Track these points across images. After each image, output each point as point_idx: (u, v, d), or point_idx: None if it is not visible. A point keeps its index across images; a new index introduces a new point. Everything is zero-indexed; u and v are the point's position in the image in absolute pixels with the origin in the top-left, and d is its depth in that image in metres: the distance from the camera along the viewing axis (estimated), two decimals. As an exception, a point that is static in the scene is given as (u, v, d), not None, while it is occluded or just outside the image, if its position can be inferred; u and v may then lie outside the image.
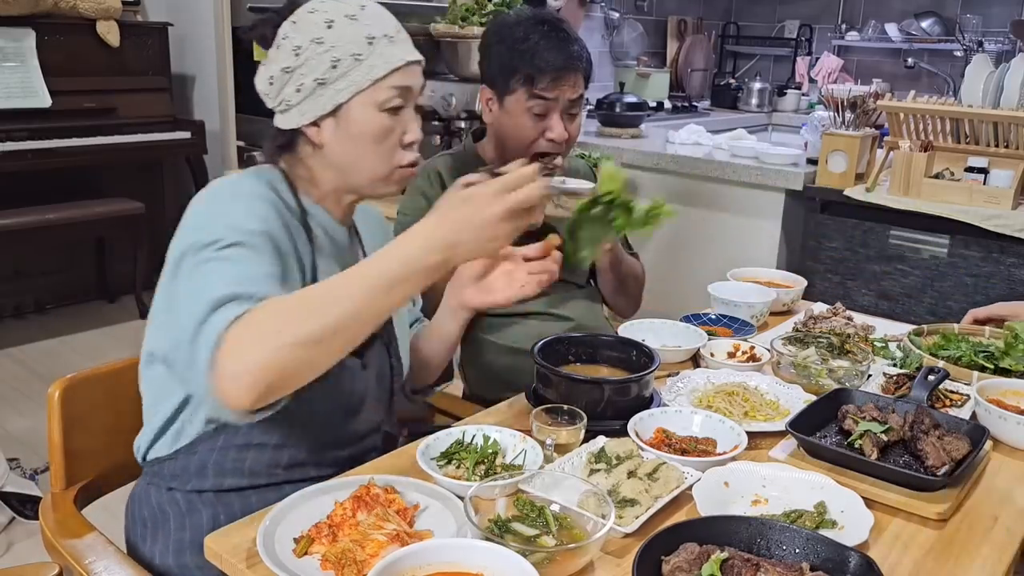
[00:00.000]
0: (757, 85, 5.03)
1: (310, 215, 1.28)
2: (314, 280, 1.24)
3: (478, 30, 3.19)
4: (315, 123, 1.23)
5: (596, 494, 1.06)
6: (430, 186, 1.85)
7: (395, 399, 1.44)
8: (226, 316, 0.98)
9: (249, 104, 3.86)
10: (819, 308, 1.98)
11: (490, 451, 1.23)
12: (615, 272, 1.92)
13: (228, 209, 1.16)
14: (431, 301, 1.57)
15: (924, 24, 4.88)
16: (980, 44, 4.49)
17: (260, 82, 1.25)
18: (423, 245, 1.02)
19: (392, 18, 1.27)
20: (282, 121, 1.25)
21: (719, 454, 1.28)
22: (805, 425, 1.33)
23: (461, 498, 1.09)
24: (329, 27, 1.20)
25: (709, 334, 1.73)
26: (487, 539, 0.97)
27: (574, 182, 1.80)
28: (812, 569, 0.94)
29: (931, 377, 1.43)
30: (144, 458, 1.32)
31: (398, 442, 1.48)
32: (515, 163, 1.66)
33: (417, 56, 1.26)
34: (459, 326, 1.48)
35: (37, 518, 1.97)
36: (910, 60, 4.96)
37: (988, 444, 1.32)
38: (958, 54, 4.72)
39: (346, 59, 1.20)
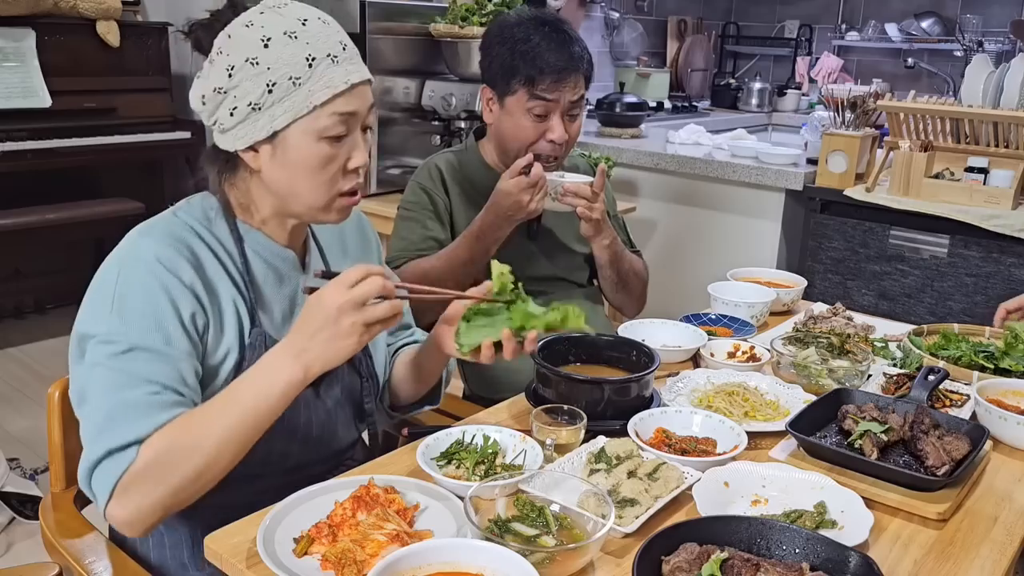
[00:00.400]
0: (757, 85, 5.03)
1: (247, 243, 1.22)
2: (252, 317, 1.21)
3: (478, 30, 3.19)
4: (252, 147, 1.15)
5: (596, 494, 1.06)
6: (430, 180, 1.86)
7: (371, 417, 1.39)
8: (114, 471, 1.06)
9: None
10: (819, 308, 1.98)
11: (490, 451, 1.23)
12: (615, 268, 1.91)
13: (130, 290, 1.11)
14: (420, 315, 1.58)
15: (924, 24, 4.88)
16: (980, 44, 4.49)
17: (193, 99, 1.17)
18: (279, 358, 1.07)
19: (339, 33, 1.17)
20: (218, 140, 1.18)
21: (719, 454, 1.28)
22: (805, 425, 1.33)
23: (461, 498, 1.09)
24: (266, 45, 1.11)
25: (709, 334, 1.73)
26: (487, 539, 0.97)
27: (572, 176, 1.81)
28: (812, 569, 0.94)
29: (931, 377, 1.43)
30: None
31: (398, 442, 1.47)
32: (521, 160, 1.66)
33: (364, 76, 1.17)
34: (435, 364, 1.38)
35: (37, 518, 1.97)
36: (910, 60, 4.96)
37: (988, 444, 1.32)
38: (958, 54, 4.72)
39: (283, 83, 1.11)
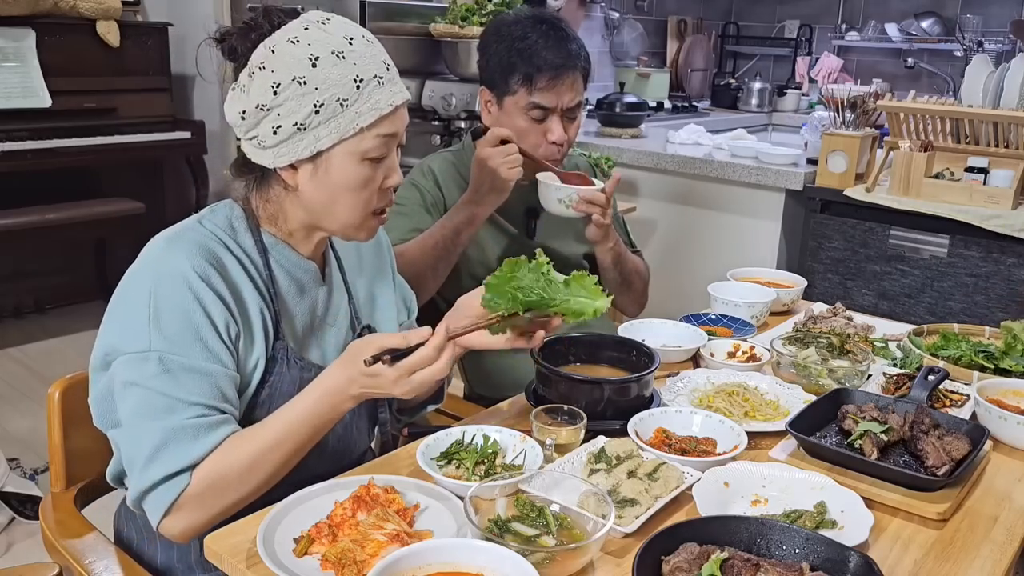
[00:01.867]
0: (757, 85, 5.03)
1: (271, 253, 1.22)
2: (276, 329, 1.21)
3: (478, 30, 3.19)
4: (292, 165, 1.15)
5: (596, 494, 1.06)
6: (422, 177, 1.86)
7: (384, 426, 1.40)
8: (169, 496, 1.09)
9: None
10: (819, 308, 1.98)
11: (490, 451, 1.23)
12: (619, 270, 1.92)
13: (166, 305, 1.10)
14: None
15: (924, 24, 4.88)
16: (980, 44, 4.49)
17: (230, 113, 1.15)
18: (340, 395, 1.14)
19: (381, 52, 1.17)
20: (253, 155, 1.17)
21: (719, 454, 1.28)
22: (805, 425, 1.33)
23: (461, 498, 1.09)
24: (313, 65, 1.09)
25: (709, 334, 1.73)
26: (487, 539, 0.97)
27: (582, 188, 1.78)
28: (812, 569, 0.94)
29: (931, 377, 1.43)
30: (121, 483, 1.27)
31: (398, 442, 1.47)
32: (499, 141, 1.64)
33: (405, 96, 1.18)
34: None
35: (37, 518, 1.97)
36: (910, 60, 4.96)
37: (988, 444, 1.32)
38: (958, 54, 4.72)
39: (331, 104, 1.10)
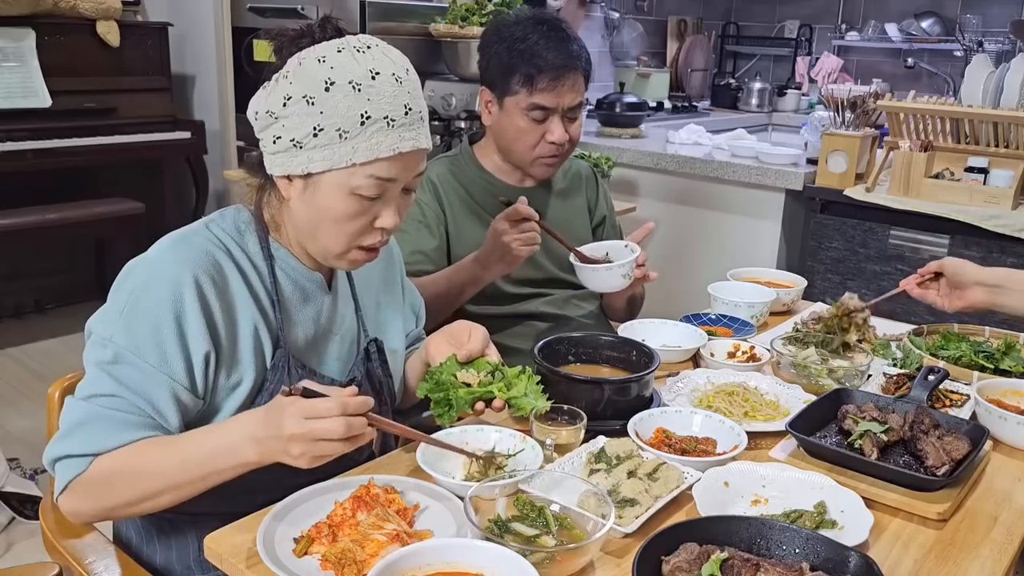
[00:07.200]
0: (757, 85, 5.03)
1: (277, 261, 1.23)
2: (277, 339, 1.20)
3: (478, 30, 3.20)
4: (286, 176, 1.15)
5: (596, 494, 1.06)
6: (421, 191, 1.84)
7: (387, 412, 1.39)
8: (68, 473, 1.11)
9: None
10: (820, 308, 1.98)
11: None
12: (628, 301, 1.94)
13: (142, 301, 1.11)
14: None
15: (924, 24, 4.88)
16: (980, 44, 4.49)
17: (249, 110, 1.18)
18: (242, 438, 1.06)
19: (408, 95, 1.13)
20: (264, 157, 1.18)
21: (719, 454, 1.28)
22: (805, 425, 1.33)
23: (461, 498, 1.09)
24: (327, 88, 1.09)
25: (709, 334, 1.73)
26: (487, 539, 0.97)
27: (617, 251, 1.74)
28: (812, 569, 0.94)
29: (931, 377, 1.43)
30: None
31: (398, 442, 1.47)
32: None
33: (416, 146, 1.14)
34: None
35: (37, 518, 1.97)
36: (910, 60, 4.96)
37: (988, 444, 1.32)
38: (958, 54, 4.72)
39: (330, 132, 1.09)
